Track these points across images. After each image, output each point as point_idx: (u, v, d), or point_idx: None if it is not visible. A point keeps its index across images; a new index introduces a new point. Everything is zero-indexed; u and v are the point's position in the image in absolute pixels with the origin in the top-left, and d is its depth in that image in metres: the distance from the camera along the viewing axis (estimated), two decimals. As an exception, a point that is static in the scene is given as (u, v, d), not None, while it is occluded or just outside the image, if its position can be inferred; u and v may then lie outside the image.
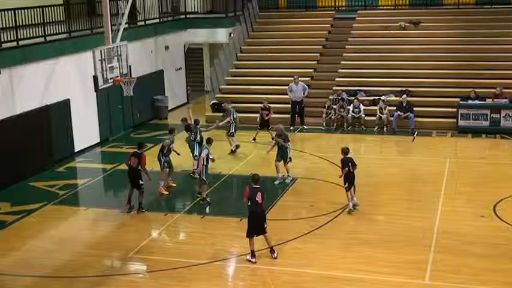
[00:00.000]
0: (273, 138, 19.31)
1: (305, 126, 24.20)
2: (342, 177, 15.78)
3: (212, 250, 13.74)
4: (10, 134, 18.42)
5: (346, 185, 15.71)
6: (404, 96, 23.77)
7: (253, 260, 13.11)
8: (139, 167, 16.12)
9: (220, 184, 18.29)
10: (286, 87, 24.60)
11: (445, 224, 14.82)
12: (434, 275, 12.41)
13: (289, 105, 24.46)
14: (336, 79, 26.28)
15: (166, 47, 27.64)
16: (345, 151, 15.91)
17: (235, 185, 18.79)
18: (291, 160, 18.17)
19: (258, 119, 22.53)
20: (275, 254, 13.28)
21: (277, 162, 18.04)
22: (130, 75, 20.34)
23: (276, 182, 17.94)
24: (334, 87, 25.70)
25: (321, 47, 28.66)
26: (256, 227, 13.19)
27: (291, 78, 24.57)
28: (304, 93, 24.29)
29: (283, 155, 18.00)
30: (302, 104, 24.24)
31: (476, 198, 16.50)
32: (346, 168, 15.57)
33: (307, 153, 20.71)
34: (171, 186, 17.89)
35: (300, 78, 24.60)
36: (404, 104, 23.49)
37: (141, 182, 16.08)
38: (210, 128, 20.77)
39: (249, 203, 13.16)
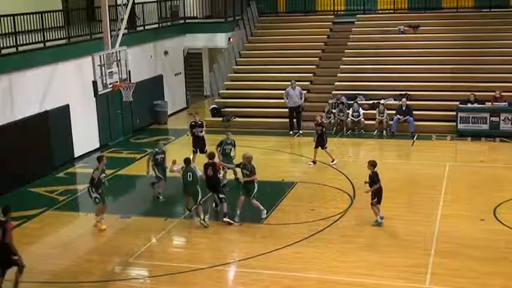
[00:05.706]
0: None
1: (300, 131, 24.12)
2: (369, 192, 14.99)
3: (213, 255, 13.73)
4: (10, 140, 18.41)
5: (376, 199, 14.92)
6: (404, 100, 23.77)
7: None
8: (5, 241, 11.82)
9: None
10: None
11: (445, 228, 14.80)
12: (434, 278, 12.39)
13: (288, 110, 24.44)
14: (335, 83, 26.31)
15: (166, 52, 27.66)
16: (374, 164, 14.92)
17: (236, 189, 18.72)
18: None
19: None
20: None
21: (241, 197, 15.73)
22: (130, 81, 20.30)
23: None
24: (333, 91, 25.72)
25: (320, 51, 28.67)
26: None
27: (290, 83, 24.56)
28: (301, 98, 24.25)
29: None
30: (299, 109, 24.22)
31: (476, 202, 16.49)
32: (379, 184, 14.79)
33: (307, 157, 20.68)
34: (101, 230, 15.33)
35: (297, 83, 24.59)
36: (404, 108, 23.51)
37: (14, 258, 11.86)
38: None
39: None
